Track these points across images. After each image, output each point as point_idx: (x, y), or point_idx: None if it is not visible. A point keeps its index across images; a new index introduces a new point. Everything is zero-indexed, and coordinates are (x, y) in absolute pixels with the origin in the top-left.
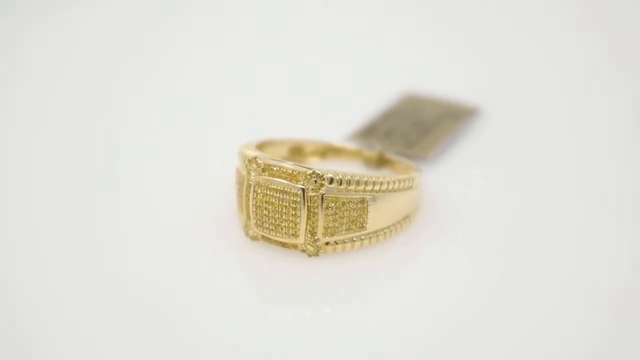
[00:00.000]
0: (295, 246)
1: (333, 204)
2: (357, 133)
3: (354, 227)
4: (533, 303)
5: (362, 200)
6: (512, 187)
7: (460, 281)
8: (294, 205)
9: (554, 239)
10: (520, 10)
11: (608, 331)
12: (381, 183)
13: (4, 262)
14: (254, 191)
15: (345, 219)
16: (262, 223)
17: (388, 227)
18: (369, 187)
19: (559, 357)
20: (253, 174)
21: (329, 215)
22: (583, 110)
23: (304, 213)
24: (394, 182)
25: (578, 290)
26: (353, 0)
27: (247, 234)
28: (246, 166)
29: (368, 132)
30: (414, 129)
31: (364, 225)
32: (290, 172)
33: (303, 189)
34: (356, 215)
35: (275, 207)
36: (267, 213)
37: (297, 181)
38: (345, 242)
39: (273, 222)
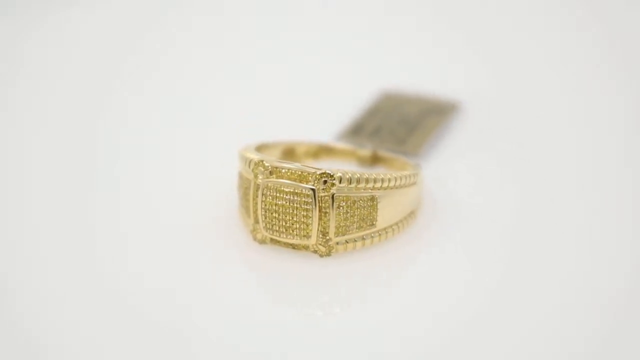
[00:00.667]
0: (306, 247)
1: (344, 203)
2: (345, 133)
3: (364, 225)
4: (533, 303)
5: (372, 198)
6: (501, 179)
7: (461, 280)
8: (305, 207)
9: (554, 236)
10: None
11: (608, 331)
12: (389, 180)
13: (4, 262)
14: (263, 194)
15: (356, 217)
16: (272, 226)
17: (396, 224)
18: (378, 184)
19: (559, 357)
20: (260, 177)
21: (340, 215)
22: (569, 101)
23: (315, 214)
24: (400, 178)
25: (578, 290)
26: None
27: (254, 238)
28: (252, 170)
29: (356, 131)
30: (400, 126)
31: (374, 222)
32: (300, 173)
33: (314, 190)
34: (366, 213)
35: (286, 209)
36: (276, 215)
37: (306, 182)
38: (356, 241)
39: (283, 224)
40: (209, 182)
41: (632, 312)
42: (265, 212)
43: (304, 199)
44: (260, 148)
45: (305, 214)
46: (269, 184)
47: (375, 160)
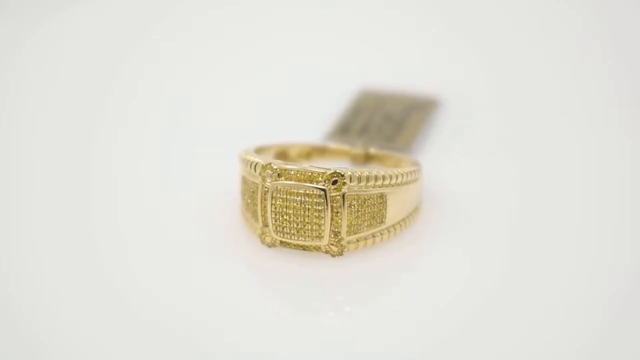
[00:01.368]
0: (317, 248)
1: (355, 202)
2: (333, 133)
3: (374, 222)
4: (532, 303)
5: (381, 195)
6: (490, 170)
7: (461, 280)
8: (318, 207)
9: (553, 234)
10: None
11: (608, 331)
12: (397, 176)
13: (4, 262)
14: (272, 197)
15: (367, 215)
16: (283, 228)
17: (403, 220)
18: (387, 182)
19: (559, 357)
20: (269, 180)
21: (352, 214)
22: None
23: (327, 214)
24: (406, 174)
25: (578, 289)
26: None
27: (263, 241)
28: (260, 173)
29: (344, 131)
30: (387, 124)
31: (384, 219)
32: (310, 174)
33: (324, 190)
34: (376, 210)
35: (297, 211)
36: (287, 218)
37: (317, 182)
38: (366, 239)
39: (295, 226)
40: (208, 182)
41: (632, 312)
42: (276, 214)
43: (315, 200)
44: (257, 151)
45: (317, 214)
46: (279, 187)
47: (368, 158)
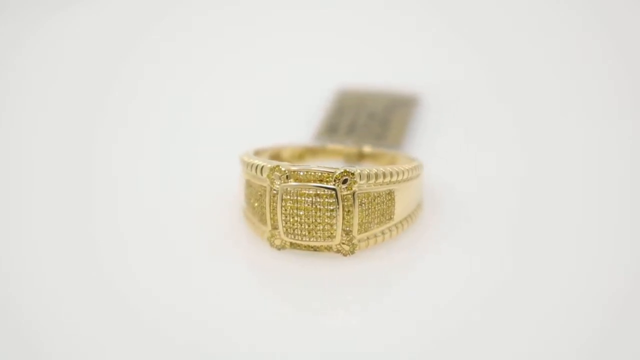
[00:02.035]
0: (328, 248)
1: (365, 200)
2: (321, 133)
3: (383, 219)
4: (533, 303)
5: (390, 192)
6: (481, 161)
7: (461, 280)
8: (329, 207)
9: (553, 233)
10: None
11: (608, 331)
12: (403, 172)
13: (4, 262)
14: (282, 199)
15: (376, 212)
16: (294, 230)
17: (409, 215)
18: (394, 178)
19: (559, 357)
20: (278, 183)
21: (362, 212)
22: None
23: (339, 213)
24: (410, 170)
25: (578, 289)
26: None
27: (272, 244)
28: (268, 176)
29: (331, 130)
30: (372, 121)
31: (392, 216)
32: (319, 174)
33: (335, 190)
34: (385, 207)
35: (309, 212)
36: (299, 219)
37: (327, 182)
38: (377, 236)
39: (306, 227)
40: (207, 182)
41: (632, 312)
42: (286, 216)
43: (326, 200)
44: (255, 154)
45: (329, 214)
46: (288, 189)
47: (361, 157)
